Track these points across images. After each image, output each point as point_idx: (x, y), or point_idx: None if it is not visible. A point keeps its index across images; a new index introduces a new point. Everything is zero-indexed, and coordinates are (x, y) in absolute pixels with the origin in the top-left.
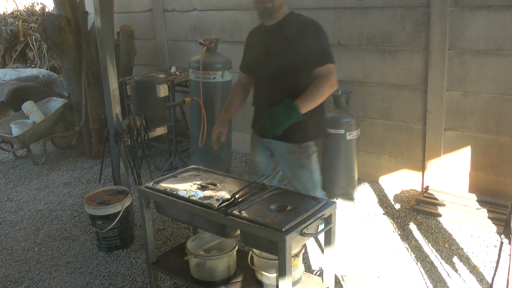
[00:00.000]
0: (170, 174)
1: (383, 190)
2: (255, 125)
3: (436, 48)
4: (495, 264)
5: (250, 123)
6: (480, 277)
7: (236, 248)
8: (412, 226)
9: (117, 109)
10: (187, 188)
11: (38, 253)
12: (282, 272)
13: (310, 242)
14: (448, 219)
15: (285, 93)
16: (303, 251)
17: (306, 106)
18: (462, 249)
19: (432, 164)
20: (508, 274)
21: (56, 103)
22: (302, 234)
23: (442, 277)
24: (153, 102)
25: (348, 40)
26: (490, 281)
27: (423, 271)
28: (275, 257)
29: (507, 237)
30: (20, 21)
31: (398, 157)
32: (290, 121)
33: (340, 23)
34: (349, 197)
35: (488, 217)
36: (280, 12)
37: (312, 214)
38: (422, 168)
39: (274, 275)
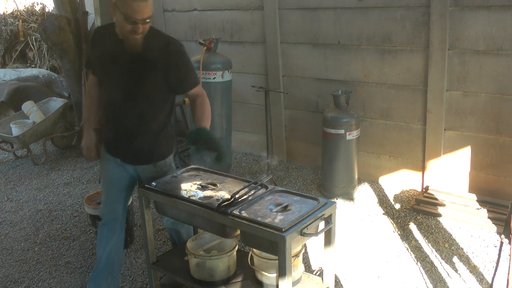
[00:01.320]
0: (170, 174)
1: (383, 190)
2: (124, 152)
3: (436, 48)
4: (495, 264)
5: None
6: (480, 277)
7: (236, 248)
8: (412, 226)
9: None
10: (187, 188)
11: (38, 253)
12: (282, 272)
13: (310, 242)
14: (448, 219)
15: (147, 113)
16: (303, 251)
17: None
18: (462, 249)
19: (432, 164)
20: (508, 274)
21: (56, 103)
22: (302, 234)
23: (442, 277)
24: None
25: (348, 40)
26: (490, 281)
27: (423, 271)
28: (275, 257)
29: (507, 237)
30: (20, 21)
31: (398, 157)
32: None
33: (340, 23)
34: (349, 197)
35: (488, 217)
36: None
37: (312, 214)
38: (422, 168)
39: (274, 275)
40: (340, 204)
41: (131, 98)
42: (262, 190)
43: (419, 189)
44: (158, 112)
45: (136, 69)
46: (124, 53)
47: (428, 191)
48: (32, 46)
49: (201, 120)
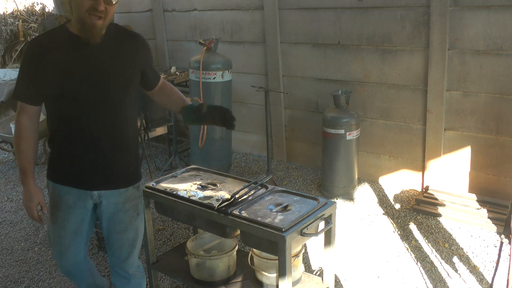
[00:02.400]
0: (170, 174)
1: (383, 190)
2: (98, 176)
3: (436, 48)
4: (495, 264)
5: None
6: (480, 277)
7: (236, 248)
8: (412, 226)
9: None
10: (187, 188)
11: (38, 253)
12: (282, 272)
13: (310, 242)
14: (448, 219)
15: (120, 117)
16: (303, 251)
17: None
18: (462, 249)
19: (432, 164)
20: (508, 274)
21: None
22: (302, 234)
23: (442, 277)
24: (153, 102)
25: (348, 40)
26: (490, 281)
27: (423, 271)
28: (275, 257)
29: (507, 237)
30: (20, 21)
31: (398, 157)
32: None
33: (340, 23)
34: (349, 197)
35: (488, 217)
36: None
37: (312, 214)
38: (422, 168)
39: (274, 275)
40: (340, 204)
41: (104, 108)
42: (262, 190)
43: (419, 189)
44: (133, 119)
45: (106, 71)
46: (86, 55)
47: (428, 191)
48: None
49: (185, 100)
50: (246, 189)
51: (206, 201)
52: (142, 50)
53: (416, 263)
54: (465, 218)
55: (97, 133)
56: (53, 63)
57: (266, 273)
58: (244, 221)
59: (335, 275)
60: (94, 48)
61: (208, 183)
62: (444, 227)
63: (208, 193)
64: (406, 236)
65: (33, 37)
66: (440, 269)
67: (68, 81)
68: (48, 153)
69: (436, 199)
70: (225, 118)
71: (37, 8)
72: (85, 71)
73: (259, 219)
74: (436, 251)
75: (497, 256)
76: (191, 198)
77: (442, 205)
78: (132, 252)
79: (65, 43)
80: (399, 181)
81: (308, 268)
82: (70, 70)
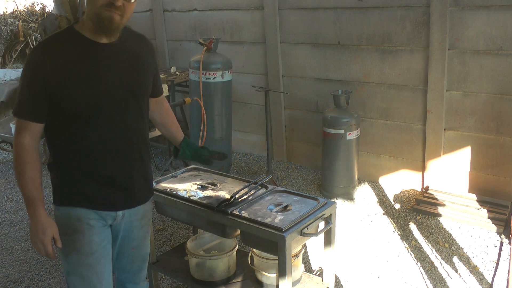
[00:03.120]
0: (170, 174)
1: (383, 190)
2: (123, 193)
3: (436, 48)
4: (495, 264)
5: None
6: (480, 277)
7: (236, 248)
8: (412, 226)
9: None
10: (187, 188)
11: (38, 253)
12: (282, 272)
13: (310, 242)
14: (448, 219)
15: (139, 128)
16: (303, 251)
17: None
18: (462, 249)
19: (432, 164)
20: (508, 274)
21: None
22: (302, 234)
23: (442, 277)
24: None
25: (348, 40)
26: (490, 281)
27: (423, 271)
28: (275, 257)
29: (507, 237)
30: (20, 21)
31: (398, 157)
32: None
33: (340, 23)
34: (349, 197)
35: (488, 217)
36: None
37: (312, 214)
38: (422, 168)
39: (274, 275)
40: (340, 204)
41: (124, 119)
42: (262, 190)
43: (419, 189)
44: (147, 129)
45: (125, 78)
46: (101, 60)
47: (428, 191)
48: (32, 46)
49: (180, 129)
50: (246, 189)
51: (206, 201)
52: (153, 53)
53: (416, 263)
54: (465, 218)
55: (119, 147)
56: (63, 71)
57: (266, 273)
58: (244, 221)
59: (335, 275)
60: (109, 51)
61: (208, 183)
62: (444, 227)
63: (208, 193)
64: (406, 236)
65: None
66: (440, 269)
67: (82, 91)
68: (52, 177)
69: (436, 199)
70: (219, 158)
71: (37, 8)
72: (101, 78)
73: (259, 219)
74: (436, 251)
75: (497, 256)
76: (191, 198)
77: (442, 205)
78: (143, 266)
79: (75, 47)
80: (399, 181)
81: (308, 268)
82: (83, 78)
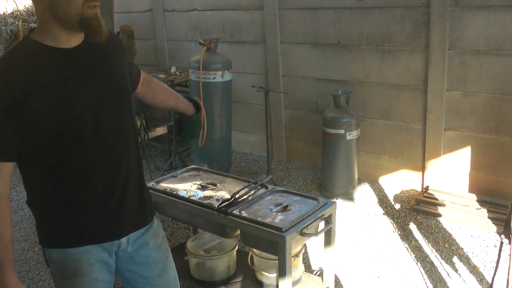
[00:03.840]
0: (170, 174)
1: (383, 190)
2: (122, 218)
3: (436, 48)
4: (495, 264)
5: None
6: (480, 277)
7: (236, 248)
8: (412, 226)
9: None
10: (187, 188)
11: (38, 253)
12: (282, 272)
13: (310, 242)
14: (448, 219)
15: (130, 137)
16: (303, 251)
17: None
18: (462, 249)
19: (432, 164)
20: (508, 274)
21: None
22: (302, 234)
23: (442, 277)
24: None
25: (348, 40)
26: (490, 281)
27: (423, 271)
28: (275, 257)
29: (507, 237)
30: (20, 21)
31: (398, 157)
32: None
33: (340, 23)
34: (349, 197)
35: (488, 217)
36: None
37: (312, 214)
38: (422, 168)
39: (274, 275)
40: (340, 204)
41: (115, 132)
42: (262, 190)
43: (419, 189)
44: (135, 134)
45: (108, 86)
46: (78, 71)
47: (428, 191)
48: None
49: (180, 101)
50: (246, 189)
51: (206, 201)
52: (122, 46)
53: (416, 263)
54: (465, 218)
55: (105, 168)
56: (31, 92)
57: (266, 273)
58: (244, 221)
59: (335, 275)
60: (79, 56)
61: (208, 183)
62: (444, 227)
63: (208, 193)
64: (406, 236)
65: None
66: (440, 269)
67: (63, 114)
68: (34, 215)
69: (436, 199)
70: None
71: None
72: (85, 92)
73: (259, 219)
74: (436, 251)
75: (497, 256)
76: (191, 198)
77: (442, 205)
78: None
79: (42, 61)
80: (399, 181)
81: (308, 268)
82: (60, 97)
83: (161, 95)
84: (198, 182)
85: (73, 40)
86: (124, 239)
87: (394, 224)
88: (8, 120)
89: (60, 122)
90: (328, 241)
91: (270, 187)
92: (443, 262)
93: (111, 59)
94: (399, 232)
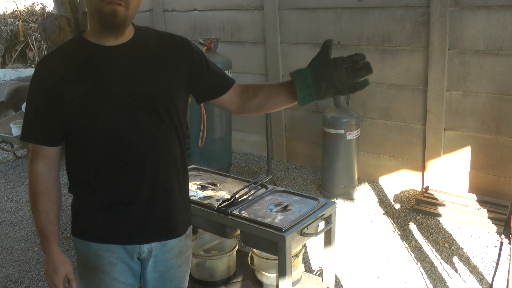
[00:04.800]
0: None
1: (383, 190)
2: (148, 224)
3: (436, 48)
4: (495, 264)
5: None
6: (480, 277)
7: (236, 248)
8: (412, 226)
9: None
10: None
11: (38, 253)
12: (282, 272)
13: (310, 242)
14: (448, 219)
15: (165, 145)
16: (303, 251)
17: None
18: (462, 249)
19: (432, 164)
20: (508, 274)
21: None
22: (302, 234)
23: (442, 277)
24: None
25: (348, 40)
26: (490, 281)
27: (423, 271)
28: (275, 257)
29: (507, 237)
30: (20, 21)
31: (398, 157)
32: None
33: (340, 23)
34: (349, 197)
35: (488, 217)
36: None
37: (312, 214)
38: (422, 168)
39: (274, 275)
40: (340, 204)
41: (146, 135)
42: (262, 190)
43: (419, 189)
44: (183, 145)
45: (143, 88)
46: (115, 69)
47: (428, 191)
48: (32, 46)
49: (277, 84)
50: (246, 189)
51: (206, 201)
52: (184, 54)
53: (416, 263)
54: (465, 218)
55: (132, 167)
56: (72, 86)
57: (266, 273)
58: (244, 221)
59: (335, 275)
60: (117, 54)
61: (208, 183)
62: (444, 227)
63: (208, 193)
64: (406, 236)
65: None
66: (440, 269)
67: (95, 107)
68: (72, 203)
69: (436, 199)
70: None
71: (37, 8)
72: (117, 90)
73: (259, 219)
74: (436, 251)
75: (497, 256)
76: (191, 198)
77: (442, 205)
78: None
79: (78, 55)
80: (399, 181)
81: (308, 268)
82: (96, 91)
83: (258, 97)
84: (198, 182)
85: (113, 38)
86: (146, 248)
87: (394, 224)
88: (47, 105)
89: (85, 116)
90: (328, 241)
91: (270, 187)
92: (443, 262)
93: (157, 61)
94: (399, 232)
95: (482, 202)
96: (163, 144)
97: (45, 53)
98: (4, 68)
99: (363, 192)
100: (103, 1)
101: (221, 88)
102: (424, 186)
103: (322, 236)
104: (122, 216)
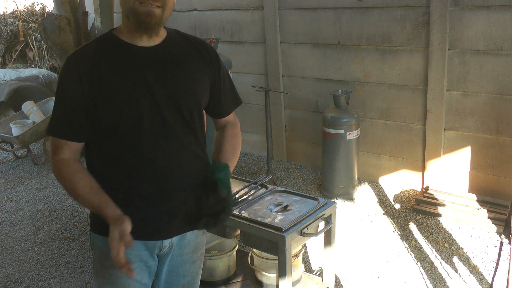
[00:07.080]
0: None
1: (383, 190)
2: (155, 223)
3: (436, 48)
4: (495, 264)
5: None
6: (480, 277)
7: (236, 248)
8: (412, 226)
9: None
10: None
11: (38, 253)
12: (282, 272)
13: (310, 242)
14: (448, 219)
15: (188, 146)
16: (303, 251)
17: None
18: (462, 249)
19: (432, 164)
20: (508, 274)
21: None
22: (302, 234)
23: (442, 277)
24: None
25: (348, 40)
26: (490, 281)
27: (423, 271)
28: (275, 257)
29: (507, 237)
30: (20, 21)
31: (398, 157)
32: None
33: (340, 23)
34: (349, 197)
35: (488, 217)
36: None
37: (312, 214)
38: (422, 168)
39: (274, 275)
40: (340, 204)
41: (170, 136)
42: (262, 190)
43: (419, 189)
44: (203, 144)
45: (171, 89)
46: (145, 68)
47: (428, 191)
48: (32, 46)
49: (220, 156)
50: (246, 189)
51: None
52: (209, 61)
53: (416, 263)
54: (465, 218)
55: (159, 165)
56: (96, 79)
57: (266, 273)
58: (244, 221)
59: (335, 275)
60: (148, 55)
61: None
62: (444, 227)
63: None
64: (406, 236)
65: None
66: (440, 269)
67: (129, 105)
68: None
69: (436, 199)
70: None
71: (37, 8)
72: (145, 90)
73: (259, 219)
74: (436, 251)
75: (497, 256)
76: None
77: (442, 205)
78: None
79: (110, 52)
80: (399, 181)
81: (308, 268)
82: (132, 89)
83: (219, 142)
84: None
85: (146, 38)
86: (167, 243)
87: (394, 224)
88: (76, 100)
89: (118, 112)
90: (328, 241)
91: (270, 187)
92: (443, 262)
93: (187, 64)
94: (399, 232)
95: (482, 202)
96: (188, 144)
97: (45, 53)
98: (4, 68)
99: (363, 192)
100: (137, 2)
101: (221, 111)
102: (424, 186)
103: (322, 236)
104: (146, 212)
